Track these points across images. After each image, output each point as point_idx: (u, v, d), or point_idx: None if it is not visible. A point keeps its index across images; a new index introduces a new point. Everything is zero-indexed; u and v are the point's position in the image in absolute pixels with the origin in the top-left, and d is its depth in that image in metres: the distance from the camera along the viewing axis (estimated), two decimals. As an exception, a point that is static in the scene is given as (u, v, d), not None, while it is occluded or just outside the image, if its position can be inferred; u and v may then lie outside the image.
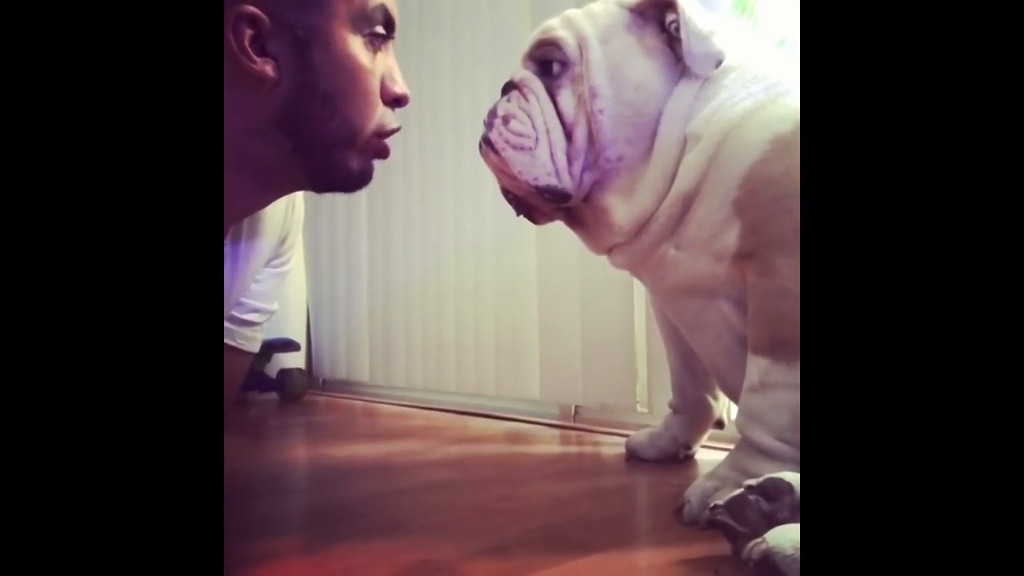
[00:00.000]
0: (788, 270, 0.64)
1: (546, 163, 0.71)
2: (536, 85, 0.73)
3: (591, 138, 0.71)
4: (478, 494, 0.79)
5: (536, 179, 0.72)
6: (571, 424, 1.27)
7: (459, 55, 1.51)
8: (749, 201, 0.66)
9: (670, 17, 0.70)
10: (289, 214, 0.85)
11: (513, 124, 0.72)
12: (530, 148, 0.71)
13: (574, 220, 0.79)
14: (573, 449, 1.10)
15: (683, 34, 0.69)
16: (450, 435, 1.22)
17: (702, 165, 0.69)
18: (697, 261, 0.71)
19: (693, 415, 0.93)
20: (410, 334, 1.67)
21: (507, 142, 0.72)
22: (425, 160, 1.59)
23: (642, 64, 0.71)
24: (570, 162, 0.71)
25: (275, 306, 0.90)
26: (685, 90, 0.71)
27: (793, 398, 0.64)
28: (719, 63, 0.70)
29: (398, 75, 0.71)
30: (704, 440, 0.96)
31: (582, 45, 0.72)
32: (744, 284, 0.69)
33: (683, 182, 0.70)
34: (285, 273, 0.90)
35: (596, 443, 1.11)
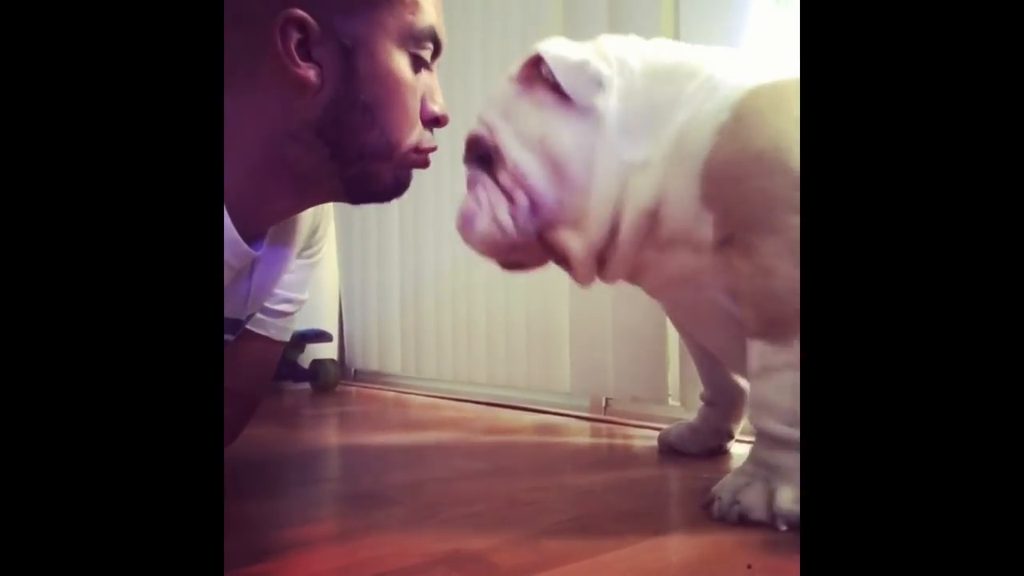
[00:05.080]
0: (769, 247, 0.64)
1: (489, 229, 0.78)
2: (479, 175, 0.80)
3: (529, 197, 0.76)
4: (509, 485, 0.79)
5: (484, 243, 0.79)
6: (602, 417, 1.26)
7: (488, 47, 1.51)
8: (714, 192, 0.68)
9: (544, 69, 0.74)
10: (319, 209, 0.85)
11: (464, 211, 0.80)
12: (475, 221, 0.78)
13: (561, 260, 0.82)
14: (604, 441, 1.09)
15: (558, 76, 0.73)
16: (481, 426, 1.23)
17: (657, 185, 0.71)
18: (680, 257, 0.73)
19: (729, 403, 0.92)
20: (441, 325, 1.68)
21: (464, 228, 0.80)
22: (456, 152, 1.58)
23: (538, 118, 0.75)
24: (515, 219, 0.77)
25: (306, 296, 0.91)
26: (605, 123, 0.73)
27: (796, 378, 0.62)
28: (600, 84, 0.73)
29: (439, 96, 0.73)
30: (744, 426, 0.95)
31: (493, 131, 0.78)
32: (731, 271, 0.69)
33: (639, 203, 0.72)
34: (316, 263, 0.91)
35: (627, 436, 1.11)
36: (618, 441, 1.08)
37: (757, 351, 0.66)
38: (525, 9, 1.41)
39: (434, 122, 0.73)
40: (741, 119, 0.67)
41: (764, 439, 0.66)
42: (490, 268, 1.51)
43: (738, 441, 0.96)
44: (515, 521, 0.65)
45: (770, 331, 0.64)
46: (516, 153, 0.76)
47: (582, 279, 0.82)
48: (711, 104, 0.69)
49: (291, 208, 0.76)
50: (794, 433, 0.63)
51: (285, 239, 0.81)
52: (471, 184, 0.81)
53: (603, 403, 1.28)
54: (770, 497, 0.62)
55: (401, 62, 0.68)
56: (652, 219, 0.73)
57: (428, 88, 0.72)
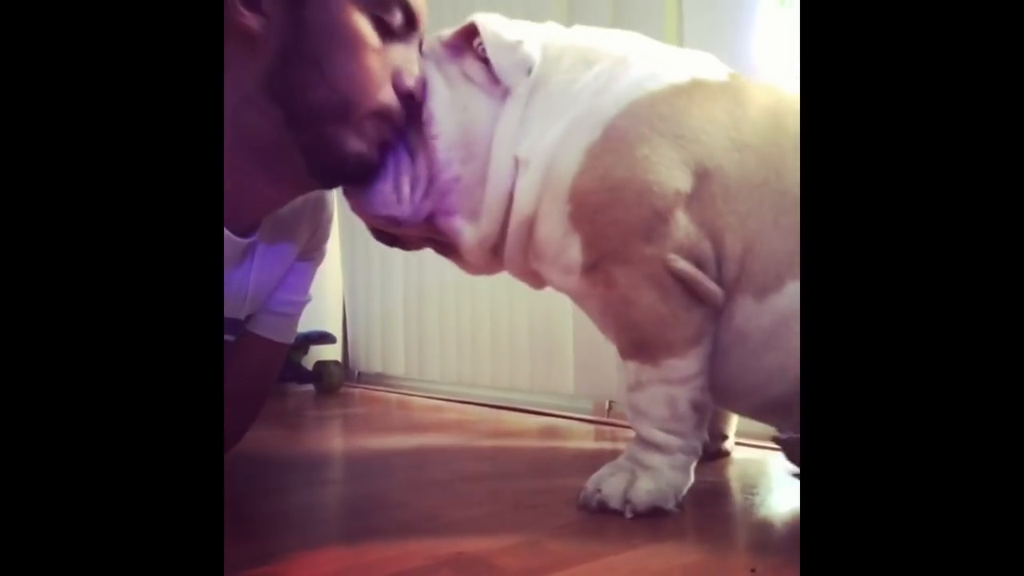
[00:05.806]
0: (625, 279, 0.67)
1: (388, 194, 0.72)
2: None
3: (429, 163, 0.72)
4: (512, 487, 0.79)
5: (375, 210, 0.73)
6: (605, 419, 1.26)
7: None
8: (579, 214, 0.68)
9: (477, 41, 0.72)
10: (319, 209, 0.85)
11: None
12: (375, 182, 0.72)
13: (442, 247, 0.81)
14: (607, 444, 1.09)
15: (489, 52, 0.71)
16: (484, 429, 1.23)
17: (536, 189, 0.70)
18: (553, 274, 0.74)
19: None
20: (444, 328, 1.68)
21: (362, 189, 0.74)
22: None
23: (466, 89, 0.73)
24: (412, 189, 0.73)
25: (308, 297, 0.90)
26: (511, 109, 0.72)
27: (667, 391, 0.68)
28: (530, 69, 0.72)
29: (416, 68, 0.70)
30: (738, 426, 0.95)
31: (424, 81, 0.73)
32: (598, 296, 0.71)
33: (522, 207, 0.71)
34: (317, 264, 0.90)
35: (630, 439, 1.10)
36: (621, 444, 1.08)
37: (630, 368, 0.70)
38: (528, 7, 1.41)
39: (409, 97, 0.69)
40: (608, 142, 0.67)
41: (640, 441, 0.70)
42: (493, 270, 1.51)
43: (738, 444, 0.96)
44: (518, 524, 0.65)
45: (639, 353, 0.69)
46: (435, 105, 0.72)
47: (472, 269, 0.81)
48: (588, 120, 0.68)
49: (272, 197, 0.73)
50: (665, 438, 0.68)
51: (284, 237, 0.81)
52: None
53: (607, 406, 1.28)
54: (627, 488, 0.67)
55: (359, 21, 0.64)
56: (529, 227, 0.72)
57: (404, 60, 0.69)
